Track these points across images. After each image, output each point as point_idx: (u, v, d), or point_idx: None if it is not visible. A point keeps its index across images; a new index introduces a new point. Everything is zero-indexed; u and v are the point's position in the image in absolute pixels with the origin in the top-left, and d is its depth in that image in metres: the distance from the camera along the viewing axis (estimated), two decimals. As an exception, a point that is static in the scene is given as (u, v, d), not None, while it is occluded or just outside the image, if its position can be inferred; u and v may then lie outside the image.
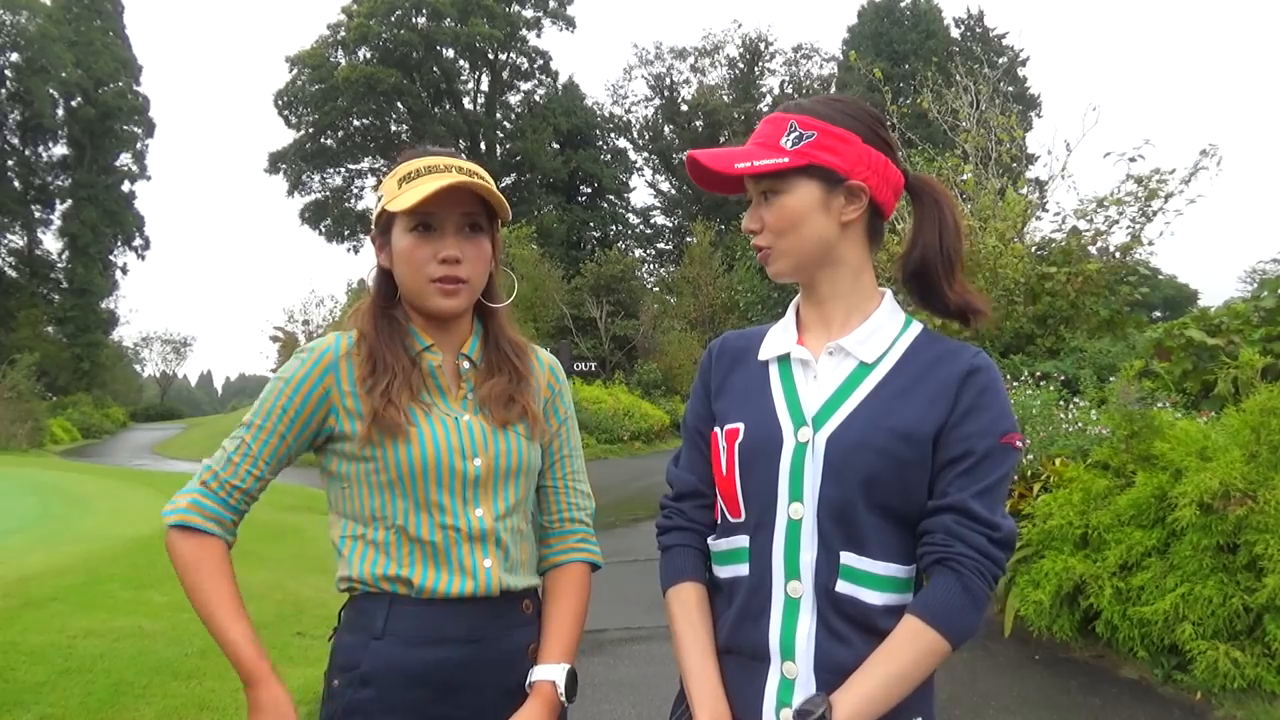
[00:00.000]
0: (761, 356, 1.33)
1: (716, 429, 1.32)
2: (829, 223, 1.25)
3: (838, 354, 1.27)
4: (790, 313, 1.36)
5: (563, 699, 1.39)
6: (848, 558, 1.20)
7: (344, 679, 1.35)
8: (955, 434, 1.20)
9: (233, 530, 1.38)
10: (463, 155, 1.44)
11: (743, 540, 1.26)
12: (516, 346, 1.50)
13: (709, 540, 1.33)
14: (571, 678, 1.41)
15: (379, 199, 1.43)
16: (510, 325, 1.52)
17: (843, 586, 1.20)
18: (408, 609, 1.35)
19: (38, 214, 41.04)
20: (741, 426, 1.28)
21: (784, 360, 1.31)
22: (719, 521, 1.32)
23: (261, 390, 1.41)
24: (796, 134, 1.24)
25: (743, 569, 1.26)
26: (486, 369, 1.46)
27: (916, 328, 1.31)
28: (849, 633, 1.19)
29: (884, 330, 1.28)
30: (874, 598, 1.20)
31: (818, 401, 1.25)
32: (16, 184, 39.86)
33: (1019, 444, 1.24)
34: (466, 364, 1.45)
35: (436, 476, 1.35)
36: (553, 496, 1.53)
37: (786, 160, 1.23)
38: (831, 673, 1.18)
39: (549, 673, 1.39)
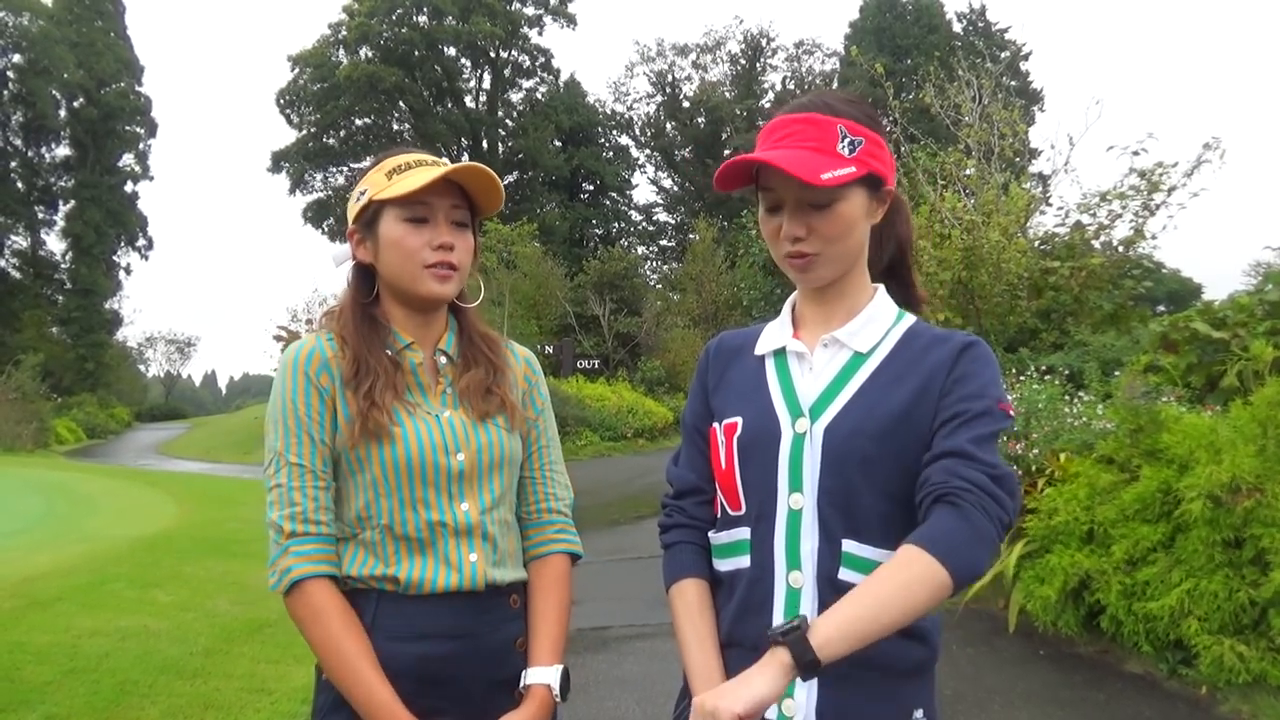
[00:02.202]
0: (758, 352, 1.34)
1: (715, 424, 1.32)
2: (866, 227, 1.27)
3: (832, 345, 1.28)
4: (786, 310, 1.36)
5: (557, 700, 1.41)
6: (849, 545, 1.20)
7: None
8: (949, 399, 1.20)
9: (337, 564, 1.36)
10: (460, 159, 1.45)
11: (743, 532, 1.27)
12: (489, 340, 1.53)
13: (710, 534, 1.33)
14: (565, 678, 1.42)
15: (362, 193, 1.44)
16: (481, 321, 1.55)
17: (845, 574, 1.19)
18: (395, 604, 1.36)
19: (41, 215, 41.10)
20: (739, 420, 1.28)
21: (779, 354, 1.32)
22: (719, 515, 1.32)
23: (266, 406, 1.40)
24: (849, 140, 1.21)
25: (744, 561, 1.26)
26: (463, 363, 1.48)
27: (910, 319, 1.32)
28: None
29: (877, 321, 1.29)
30: None
31: (814, 392, 1.25)
32: (20, 185, 39.93)
33: (1010, 413, 1.23)
34: (443, 359, 1.47)
35: (421, 474, 1.36)
36: (531, 488, 1.54)
37: (854, 170, 1.19)
38: (834, 662, 1.18)
39: (543, 675, 1.40)
